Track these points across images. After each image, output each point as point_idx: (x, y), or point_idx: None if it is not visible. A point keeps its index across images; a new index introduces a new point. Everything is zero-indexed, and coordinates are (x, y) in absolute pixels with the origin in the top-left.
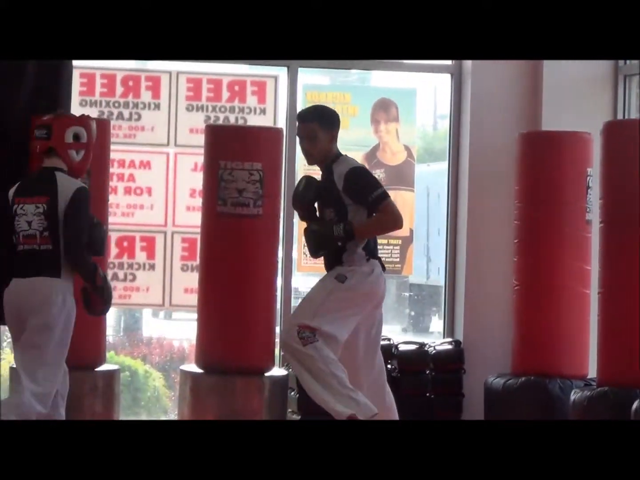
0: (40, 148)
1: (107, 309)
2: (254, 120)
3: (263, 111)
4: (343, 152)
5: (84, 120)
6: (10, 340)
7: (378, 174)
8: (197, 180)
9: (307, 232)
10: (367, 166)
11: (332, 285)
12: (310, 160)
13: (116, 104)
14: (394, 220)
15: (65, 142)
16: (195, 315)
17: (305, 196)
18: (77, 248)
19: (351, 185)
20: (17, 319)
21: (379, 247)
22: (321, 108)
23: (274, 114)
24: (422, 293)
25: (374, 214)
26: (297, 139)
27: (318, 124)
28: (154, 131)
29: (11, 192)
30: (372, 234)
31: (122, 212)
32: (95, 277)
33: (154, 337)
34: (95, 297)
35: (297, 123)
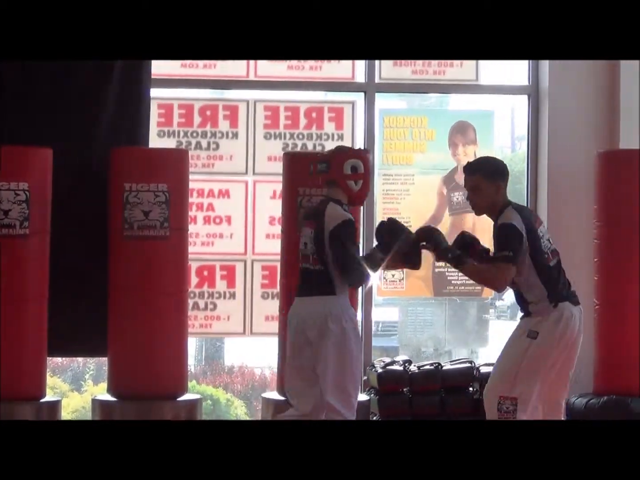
0: (322, 180)
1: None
2: (332, 147)
3: (341, 137)
4: (424, 176)
5: (360, 153)
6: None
7: (457, 196)
8: (276, 208)
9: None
10: (445, 190)
11: (526, 345)
12: (476, 211)
13: (194, 134)
14: (494, 281)
15: (344, 174)
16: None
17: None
18: (349, 269)
19: (496, 238)
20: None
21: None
22: (485, 159)
23: (352, 140)
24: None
25: (492, 264)
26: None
27: (481, 176)
28: (232, 160)
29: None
30: (472, 277)
31: (202, 242)
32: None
33: (236, 365)
34: None
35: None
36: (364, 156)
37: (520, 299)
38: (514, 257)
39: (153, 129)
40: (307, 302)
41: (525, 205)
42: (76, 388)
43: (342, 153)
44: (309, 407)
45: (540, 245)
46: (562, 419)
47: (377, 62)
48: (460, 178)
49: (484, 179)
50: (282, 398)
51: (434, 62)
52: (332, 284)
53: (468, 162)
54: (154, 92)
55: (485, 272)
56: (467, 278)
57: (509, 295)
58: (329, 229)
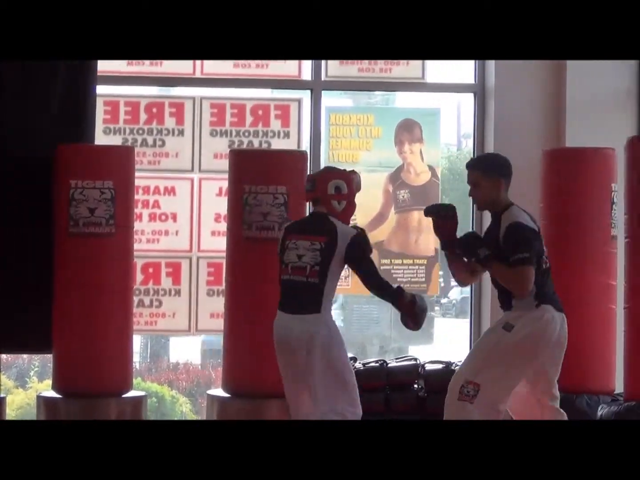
0: (307, 198)
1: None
2: (278, 144)
3: (287, 134)
4: (370, 174)
5: (345, 174)
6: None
7: (402, 194)
8: (222, 205)
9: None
10: (391, 187)
11: (499, 335)
12: (477, 207)
13: (140, 131)
14: (520, 287)
15: (328, 194)
16: (221, 340)
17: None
18: (376, 281)
19: (508, 238)
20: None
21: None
22: (486, 156)
23: (298, 137)
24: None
25: (511, 269)
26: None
27: (480, 172)
28: (178, 157)
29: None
30: (498, 277)
31: (147, 239)
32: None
33: (181, 362)
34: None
35: None
36: (348, 177)
37: (505, 293)
38: (531, 258)
39: (99, 126)
40: (295, 320)
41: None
42: (21, 385)
43: (327, 173)
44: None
45: (542, 247)
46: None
47: (323, 60)
48: (406, 176)
49: (482, 175)
50: (227, 395)
51: (380, 60)
52: (320, 300)
53: (471, 158)
54: (100, 89)
55: (507, 275)
56: (412, 275)
57: (455, 293)
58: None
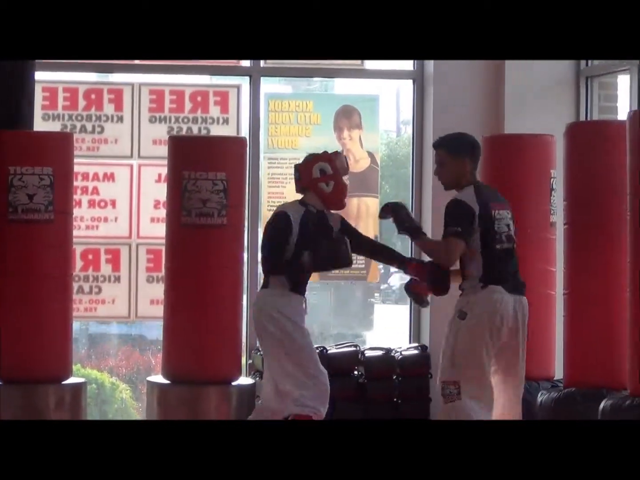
0: (296, 189)
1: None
2: (217, 130)
3: (226, 121)
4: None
5: (327, 155)
6: None
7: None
8: (161, 192)
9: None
10: None
11: (457, 326)
12: (444, 187)
13: (79, 117)
14: (443, 258)
15: (313, 178)
16: (161, 327)
17: None
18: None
19: (445, 213)
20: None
21: None
22: (452, 135)
23: (237, 124)
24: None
25: (441, 240)
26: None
27: (445, 151)
28: (117, 143)
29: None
30: (425, 250)
31: (87, 225)
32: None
33: (120, 349)
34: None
35: None
36: (330, 158)
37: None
38: (463, 233)
39: (38, 112)
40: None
41: (411, 189)
42: None
43: (310, 158)
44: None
45: (492, 227)
46: (519, 414)
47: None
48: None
49: (447, 154)
50: (167, 382)
51: None
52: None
53: (438, 137)
54: (39, 75)
55: (437, 245)
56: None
57: (394, 279)
58: None
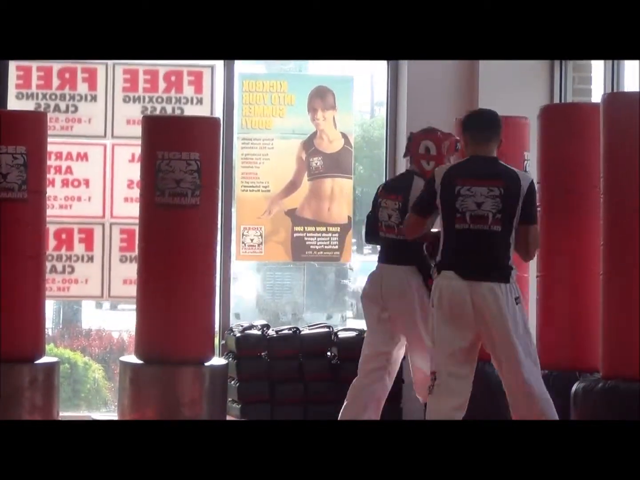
0: (405, 155)
1: None
2: (191, 111)
3: (200, 101)
4: (283, 141)
5: (435, 135)
6: None
7: (316, 161)
8: (135, 172)
9: None
10: (304, 154)
11: (429, 313)
12: None
13: (53, 96)
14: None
15: (419, 153)
16: (134, 306)
17: None
18: None
19: None
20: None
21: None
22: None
23: (211, 104)
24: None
25: None
26: None
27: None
28: (91, 123)
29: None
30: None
31: (60, 205)
32: None
33: (93, 328)
34: None
35: None
36: (438, 137)
37: None
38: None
39: (11, 91)
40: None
41: (384, 170)
42: None
43: (420, 134)
44: None
45: (453, 203)
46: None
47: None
48: (319, 143)
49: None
50: (140, 362)
51: None
52: (412, 254)
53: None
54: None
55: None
56: (326, 242)
57: (365, 260)
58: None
